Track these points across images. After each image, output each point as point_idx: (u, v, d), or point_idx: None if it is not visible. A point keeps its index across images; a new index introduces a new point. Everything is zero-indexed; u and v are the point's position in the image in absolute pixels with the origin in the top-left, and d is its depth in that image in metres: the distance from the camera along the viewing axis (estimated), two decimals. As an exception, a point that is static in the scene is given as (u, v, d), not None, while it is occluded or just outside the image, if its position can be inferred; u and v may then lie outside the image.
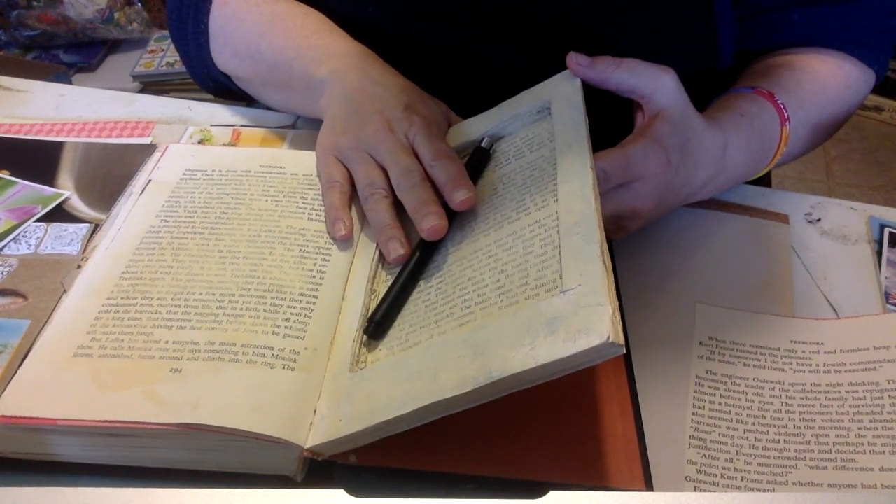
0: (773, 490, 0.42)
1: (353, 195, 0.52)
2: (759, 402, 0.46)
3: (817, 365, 0.48)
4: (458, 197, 0.47)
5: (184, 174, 0.56)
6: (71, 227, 0.54)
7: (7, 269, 0.50)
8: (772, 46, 0.63)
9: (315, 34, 0.59)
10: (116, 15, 1.67)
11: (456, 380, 0.37)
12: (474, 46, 0.62)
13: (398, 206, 0.49)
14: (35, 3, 1.61)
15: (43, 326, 0.45)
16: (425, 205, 0.47)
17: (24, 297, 0.48)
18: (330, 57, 0.57)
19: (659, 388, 0.47)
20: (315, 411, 0.41)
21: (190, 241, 0.50)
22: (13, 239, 0.52)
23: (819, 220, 0.60)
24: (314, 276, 0.48)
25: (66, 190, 0.57)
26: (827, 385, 0.47)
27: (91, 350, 0.42)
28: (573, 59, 0.50)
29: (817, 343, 0.50)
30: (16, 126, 0.64)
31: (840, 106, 0.62)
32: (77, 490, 0.33)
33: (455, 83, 0.60)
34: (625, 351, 0.35)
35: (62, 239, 0.52)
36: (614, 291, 0.37)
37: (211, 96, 0.73)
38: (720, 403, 0.46)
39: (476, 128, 0.55)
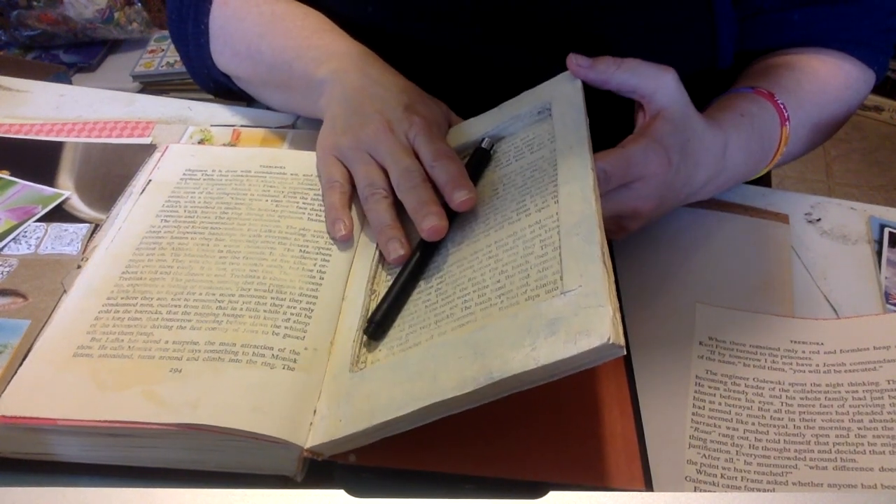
0: (773, 490, 0.42)
1: (353, 195, 0.52)
2: (759, 402, 0.46)
3: (817, 365, 0.48)
4: (459, 197, 0.47)
5: (184, 174, 0.56)
6: (71, 227, 0.54)
7: (7, 269, 0.50)
8: (772, 46, 0.63)
9: (315, 34, 0.59)
10: (116, 15, 1.67)
11: (456, 380, 0.37)
12: (474, 46, 0.62)
13: (398, 207, 0.49)
14: (35, 3, 1.61)
15: (43, 326, 0.45)
16: (425, 205, 0.47)
17: (24, 297, 0.48)
18: (330, 57, 0.57)
19: (659, 388, 0.47)
20: (315, 411, 0.41)
21: (190, 241, 0.50)
22: (13, 239, 0.52)
23: (819, 220, 0.60)
24: (314, 277, 0.48)
25: (66, 190, 0.57)
26: (827, 385, 0.47)
27: (91, 350, 0.42)
28: (573, 60, 0.50)
29: (817, 343, 0.50)
30: (16, 126, 0.64)
31: (840, 106, 0.62)
32: (77, 490, 0.33)
33: (455, 83, 0.60)
34: (625, 352, 0.35)
35: (62, 239, 0.52)
36: (615, 292, 0.37)
37: (211, 96, 0.73)
38: (720, 403, 0.46)
39: (476, 128, 0.55)
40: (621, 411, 0.44)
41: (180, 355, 0.42)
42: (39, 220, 0.54)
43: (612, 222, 0.51)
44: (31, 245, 0.52)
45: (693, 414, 0.45)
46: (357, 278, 0.48)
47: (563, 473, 0.41)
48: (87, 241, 0.52)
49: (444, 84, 0.59)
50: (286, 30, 0.60)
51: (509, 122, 0.53)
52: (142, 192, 0.54)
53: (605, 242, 0.40)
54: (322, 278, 0.47)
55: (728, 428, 0.45)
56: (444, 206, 0.48)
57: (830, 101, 0.61)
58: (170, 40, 1.50)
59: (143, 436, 0.39)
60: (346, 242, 0.50)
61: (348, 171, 0.52)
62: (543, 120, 0.52)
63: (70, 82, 1.55)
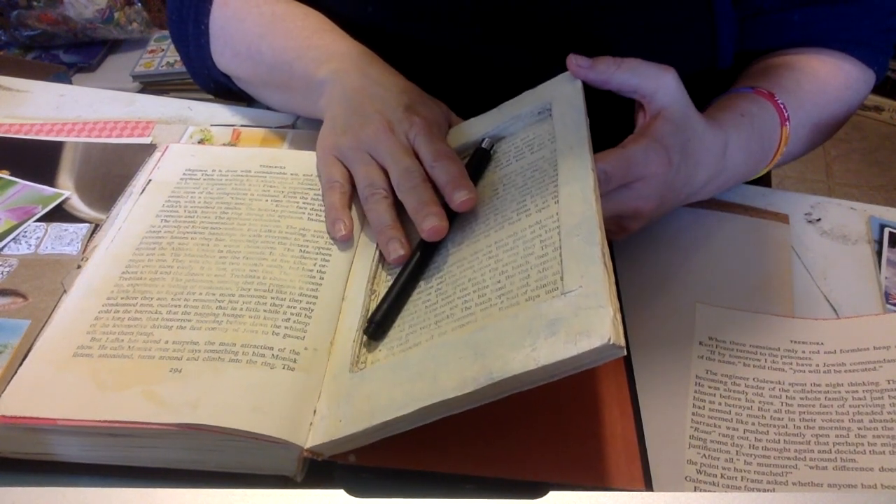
0: (773, 490, 0.42)
1: (353, 195, 0.52)
2: (759, 402, 0.46)
3: (817, 365, 0.48)
4: (459, 198, 0.47)
5: (184, 174, 0.56)
6: (71, 227, 0.54)
7: (7, 269, 0.50)
8: (772, 47, 0.63)
9: (315, 34, 0.59)
10: (116, 15, 1.67)
11: (456, 381, 0.37)
12: (474, 46, 0.62)
13: (398, 207, 0.49)
14: (35, 3, 1.61)
15: (43, 326, 0.45)
16: (426, 205, 0.47)
17: (24, 297, 0.48)
18: (330, 57, 0.57)
19: (659, 388, 0.47)
20: (315, 411, 0.41)
21: (190, 241, 0.50)
22: (13, 239, 0.52)
23: (819, 220, 0.60)
24: (314, 277, 0.48)
25: (66, 190, 0.57)
26: (827, 385, 0.47)
27: (91, 350, 0.42)
28: (573, 61, 0.50)
29: (817, 343, 0.50)
30: (16, 126, 0.64)
31: (840, 106, 0.62)
32: (77, 490, 0.33)
33: (455, 83, 0.60)
34: (626, 353, 0.35)
35: (62, 239, 0.52)
36: (615, 293, 0.37)
37: (211, 96, 0.73)
38: (720, 403, 0.46)
39: (477, 129, 0.55)
40: (621, 411, 0.44)
41: (180, 355, 0.42)
42: (39, 220, 0.54)
43: (613, 222, 0.51)
44: (31, 245, 0.52)
45: (693, 414, 0.45)
46: (357, 278, 0.48)
47: (563, 473, 0.41)
48: (87, 241, 0.52)
49: (444, 84, 0.59)
50: (286, 30, 0.60)
51: (509, 123, 0.53)
52: (142, 192, 0.54)
53: (606, 243, 0.40)
54: (322, 278, 0.47)
55: (728, 428, 0.45)
56: (445, 206, 0.48)
57: (830, 101, 0.61)
58: (170, 40, 1.50)
59: (143, 436, 0.39)
60: (346, 242, 0.50)
61: (348, 172, 0.52)
62: (544, 120, 0.52)
63: (70, 82, 1.55)
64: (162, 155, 0.58)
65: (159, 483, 0.40)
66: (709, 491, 0.42)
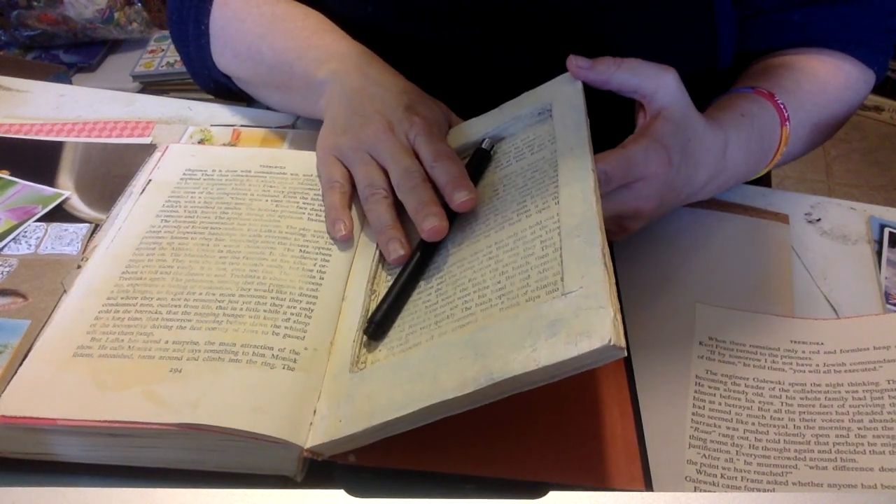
0: (773, 490, 0.42)
1: (353, 195, 0.52)
2: (759, 402, 0.46)
3: (817, 365, 0.48)
4: (459, 198, 0.47)
5: (184, 174, 0.56)
6: (71, 227, 0.54)
7: (7, 269, 0.50)
8: (772, 47, 0.63)
9: (315, 35, 0.59)
10: (116, 15, 1.67)
11: (457, 381, 0.37)
12: (474, 46, 0.62)
13: (398, 207, 0.49)
14: (35, 3, 1.61)
15: (43, 326, 0.45)
16: (426, 206, 0.47)
17: (24, 297, 0.48)
18: (330, 57, 0.57)
19: (659, 388, 0.47)
20: (315, 411, 0.41)
21: (190, 241, 0.50)
22: (13, 239, 0.52)
23: (819, 220, 0.60)
24: (314, 277, 0.48)
25: (66, 190, 0.57)
26: (827, 385, 0.47)
27: (91, 350, 0.42)
28: (573, 61, 0.50)
29: (817, 343, 0.50)
30: (16, 126, 0.64)
31: (840, 106, 0.62)
32: (77, 490, 0.33)
33: (455, 83, 0.60)
34: (626, 354, 0.35)
35: (62, 239, 0.52)
36: (616, 294, 0.37)
37: (211, 96, 0.73)
38: (720, 403, 0.46)
39: (477, 129, 0.55)
40: (621, 412, 0.44)
41: (180, 355, 0.42)
42: (39, 220, 0.54)
43: (613, 223, 0.51)
44: (31, 245, 0.52)
45: (693, 414, 0.45)
46: (357, 278, 0.48)
47: (563, 474, 0.41)
48: (87, 241, 0.52)
49: (444, 84, 0.59)
50: (286, 31, 0.60)
51: (510, 123, 0.53)
52: (142, 192, 0.54)
53: (606, 244, 0.40)
54: (322, 278, 0.47)
55: (728, 428, 0.45)
56: (445, 206, 0.48)
57: (830, 101, 0.61)
58: (170, 40, 1.51)
59: (143, 436, 0.39)
60: (346, 242, 0.50)
61: (348, 172, 0.52)
62: (544, 121, 0.52)
63: (70, 82, 1.55)
64: (162, 155, 0.58)
65: (159, 483, 0.40)
66: (709, 491, 0.42)
